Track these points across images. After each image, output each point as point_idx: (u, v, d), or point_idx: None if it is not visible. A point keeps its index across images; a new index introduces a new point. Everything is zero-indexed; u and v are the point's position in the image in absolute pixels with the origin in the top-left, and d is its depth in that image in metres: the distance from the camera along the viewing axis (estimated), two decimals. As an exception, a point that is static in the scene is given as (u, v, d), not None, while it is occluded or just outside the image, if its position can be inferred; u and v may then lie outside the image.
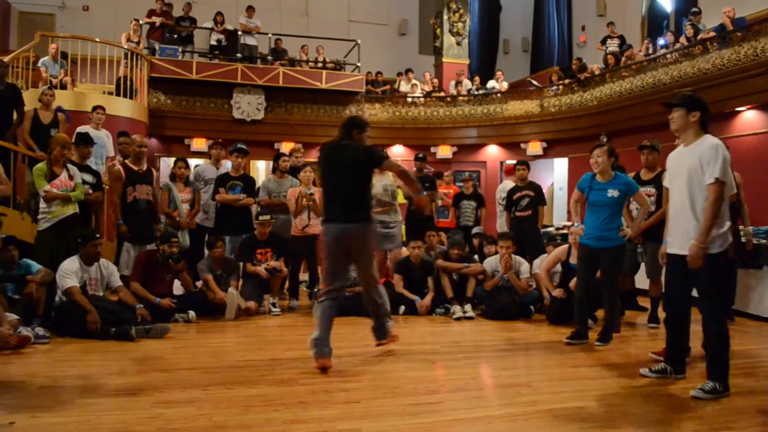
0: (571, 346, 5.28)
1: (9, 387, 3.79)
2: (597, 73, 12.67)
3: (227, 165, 7.83)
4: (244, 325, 6.13)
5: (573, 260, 6.25)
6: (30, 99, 8.26)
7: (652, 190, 6.11)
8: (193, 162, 11.34)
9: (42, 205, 5.91)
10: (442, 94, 15.13)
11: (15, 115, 7.65)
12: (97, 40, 10.93)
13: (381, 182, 7.18)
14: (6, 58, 9.19)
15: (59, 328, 5.29)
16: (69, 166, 5.99)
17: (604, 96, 12.24)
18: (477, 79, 15.63)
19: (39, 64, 10.47)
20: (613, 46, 13.27)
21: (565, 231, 11.03)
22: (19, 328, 4.86)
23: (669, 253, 4.13)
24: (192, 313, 6.12)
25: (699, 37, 10.34)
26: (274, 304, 6.73)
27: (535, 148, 14.06)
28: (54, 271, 5.40)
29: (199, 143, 13.32)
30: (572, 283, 6.08)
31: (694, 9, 11.49)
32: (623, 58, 12.31)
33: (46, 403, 3.48)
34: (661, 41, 12.08)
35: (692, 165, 3.90)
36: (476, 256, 7.59)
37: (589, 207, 5.31)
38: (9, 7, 15.66)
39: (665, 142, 6.39)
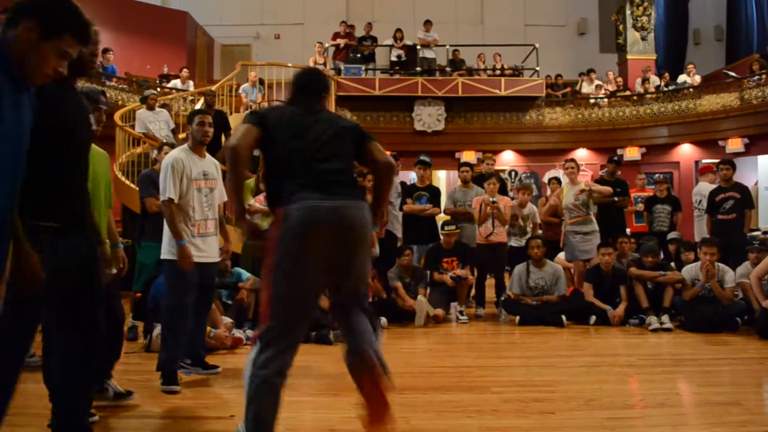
0: None
1: (229, 383, 4.21)
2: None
3: (411, 176, 8.07)
4: (433, 332, 6.28)
5: (789, 267, 5.70)
6: (234, 123, 9.12)
7: None
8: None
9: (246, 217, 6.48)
10: (627, 93, 14.42)
11: (223, 139, 8.50)
12: (289, 65, 11.79)
13: (572, 192, 7.09)
14: (213, 87, 10.26)
15: (265, 331, 5.76)
16: (275, 182, 6.53)
17: (818, 83, 10.97)
18: (666, 74, 14.71)
19: (240, 91, 11.52)
20: (825, 26, 11.86)
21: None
22: (233, 331, 5.39)
23: None
24: (383, 319, 6.37)
25: None
26: (461, 312, 6.83)
27: (735, 145, 12.92)
28: (258, 277, 5.92)
29: (383, 156, 13.83)
30: None
31: None
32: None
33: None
34: None
35: None
36: (672, 264, 7.14)
37: None
38: (213, 42, 17.40)
39: None
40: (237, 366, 4.70)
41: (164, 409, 3.62)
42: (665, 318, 6.26)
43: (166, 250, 4.09)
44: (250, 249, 6.40)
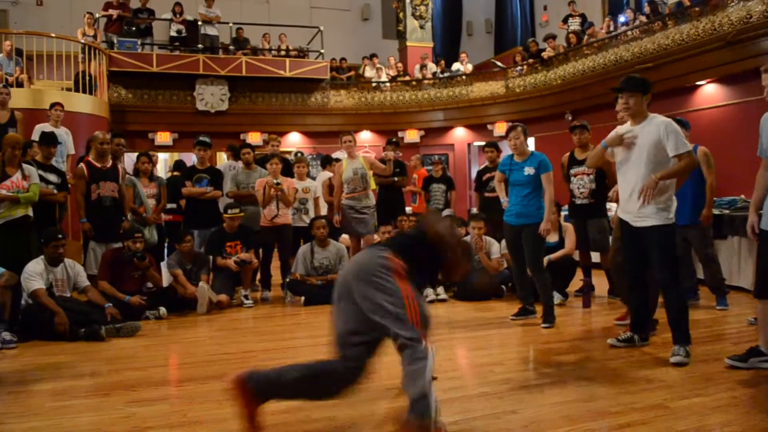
0: (517, 321, 5.60)
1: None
2: (561, 51, 12.76)
3: (194, 158, 7.72)
4: (216, 319, 6.08)
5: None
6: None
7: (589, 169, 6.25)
8: (160, 156, 11.18)
9: None
10: (407, 78, 15.09)
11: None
12: (53, 35, 10.68)
13: (351, 166, 7.11)
14: (-42, 58, 8.96)
15: (27, 331, 5.17)
16: (25, 166, 5.79)
17: (568, 75, 12.33)
18: (442, 62, 15.61)
19: (-7, 62, 10.20)
20: (574, 24, 13.34)
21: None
22: (-17, 334, 4.77)
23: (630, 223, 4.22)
24: (163, 310, 6.05)
25: (667, 10, 10.43)
26: (246, 296, 6.69)
27: (501, 128, 14.08)
28: (15, 273, 5.27)
29: (164, 137, 13.13)
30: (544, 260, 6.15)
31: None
32: (585, 37, 12.39)
33: (17, 410, 3.42)
34: (621, 18, 12.18)
35: (650, 142, 4.03)
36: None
37: (510, 187, 5.53)
38: (-42, 4, 15.22)
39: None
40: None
41: None
42: (440, 289, 6.68)
43: None
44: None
